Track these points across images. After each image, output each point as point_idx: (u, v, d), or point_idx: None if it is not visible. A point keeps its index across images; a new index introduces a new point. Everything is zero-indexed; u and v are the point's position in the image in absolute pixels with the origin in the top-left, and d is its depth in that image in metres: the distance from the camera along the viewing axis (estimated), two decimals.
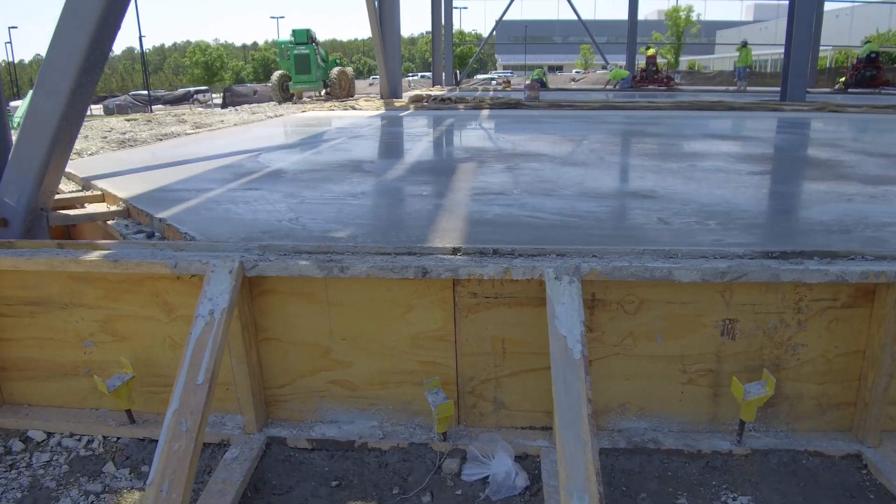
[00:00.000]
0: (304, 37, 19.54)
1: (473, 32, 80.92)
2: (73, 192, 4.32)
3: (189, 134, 8.19)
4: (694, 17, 50.32)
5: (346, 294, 2.41)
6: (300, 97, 19.50)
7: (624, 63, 27.03)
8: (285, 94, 19.39)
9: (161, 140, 7.69)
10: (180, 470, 1.86)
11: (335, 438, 2.49)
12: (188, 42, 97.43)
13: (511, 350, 2.46)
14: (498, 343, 2.44)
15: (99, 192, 4.05)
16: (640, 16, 28.67)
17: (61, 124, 2.96)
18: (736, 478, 2.33)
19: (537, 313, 2.39)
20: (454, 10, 29.80)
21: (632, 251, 2.38)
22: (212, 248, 2.45)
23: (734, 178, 4.76)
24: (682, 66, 48.85)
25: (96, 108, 27.20)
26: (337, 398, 2.58)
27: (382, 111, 12.43)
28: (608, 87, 24.80)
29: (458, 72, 30.76)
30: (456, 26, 44.60)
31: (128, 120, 10.99)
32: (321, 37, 19.88)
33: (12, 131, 3.55)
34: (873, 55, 21.02)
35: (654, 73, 24.95)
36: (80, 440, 2.62)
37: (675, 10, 49.19)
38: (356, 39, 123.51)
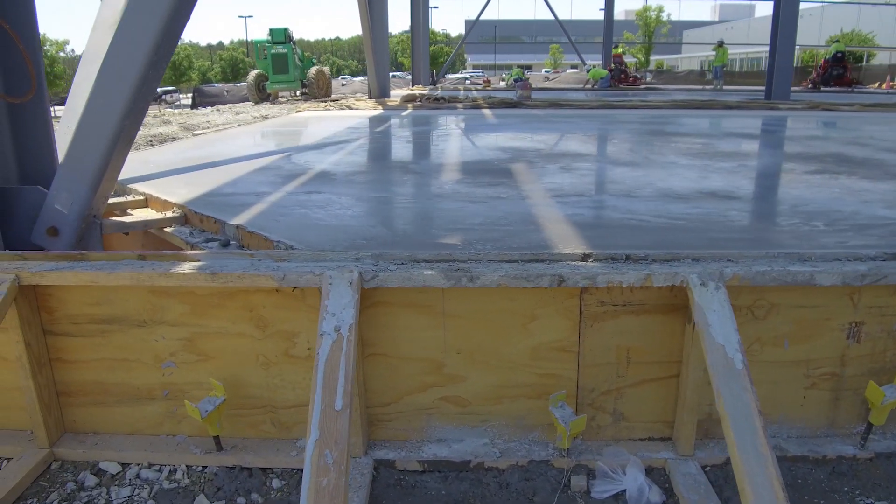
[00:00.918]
0: (282, 36, 19.18)
1: (443, 32, 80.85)
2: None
3: (197, 135, 7.88)
4: (664, 17, 51.04)
5: (465, 304, 2.24)
6: (276, 97, 19.10)
7: (600, 63, 27.23)
8: (262, 94, 18.97)
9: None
10: None
11: (448, 458, 2.32)
12: None
13: (636, 360, 2.33)
14: (623, 352, 2.31)
15: (142, 197, 3.76)
16: None
17: (123, 123, 2.71)
18: (865, 482, 2.26)
19: (663, 320, 2.28)
20: None
21: (766, 255, 2.27)
22: (318, 258, 2.25)
23: (799, 177, 4.73)
24: (651, 66, 49.48)
25: (59, 110, 26.10)
26: (446, 415, 2.41)
27: (381, 111, 12.18)
28: (587, 86, 24.93)
29: (434, 71, 30.63)
30: None
31: None
32: None
33: None
34: (840, 55, 21.68)
35: (622, 72, 25.23)
36: (160, 471, 2.38)
37: (646, 9, 49.80)
38: (323, 39, 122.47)
